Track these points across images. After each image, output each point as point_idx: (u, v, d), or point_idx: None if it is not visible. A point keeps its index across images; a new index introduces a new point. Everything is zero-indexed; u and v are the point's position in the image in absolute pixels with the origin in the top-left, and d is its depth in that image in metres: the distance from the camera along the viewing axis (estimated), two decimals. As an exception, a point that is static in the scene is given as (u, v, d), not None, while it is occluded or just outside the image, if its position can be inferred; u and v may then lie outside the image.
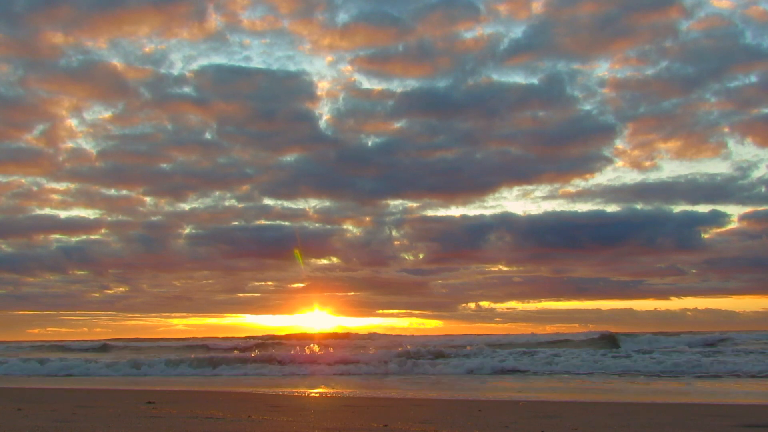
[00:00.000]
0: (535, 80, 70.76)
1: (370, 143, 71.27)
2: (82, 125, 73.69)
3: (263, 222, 71.42)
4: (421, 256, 72.89)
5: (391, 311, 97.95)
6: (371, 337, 69.24)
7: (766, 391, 23.92)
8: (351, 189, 72.20)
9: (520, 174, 72.44)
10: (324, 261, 74.60)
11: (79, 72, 67.28)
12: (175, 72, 70.69)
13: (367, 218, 73.15)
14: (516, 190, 74.16)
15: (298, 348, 46.15)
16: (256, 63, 74.48)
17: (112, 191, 71.87)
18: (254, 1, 72.21)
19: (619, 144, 73.27)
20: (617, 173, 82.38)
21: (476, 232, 69.36)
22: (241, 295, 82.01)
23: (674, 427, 12.79)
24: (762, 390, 24.01)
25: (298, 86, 69.30)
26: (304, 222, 72.11)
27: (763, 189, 65.21)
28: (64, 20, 65.38)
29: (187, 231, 72.40)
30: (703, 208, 69.59)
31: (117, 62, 68.89)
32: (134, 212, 72.62)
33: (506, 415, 14.74)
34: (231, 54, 78.62)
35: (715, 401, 19.75)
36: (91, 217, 73.15)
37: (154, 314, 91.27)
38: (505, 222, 69.35)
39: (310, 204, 72.50)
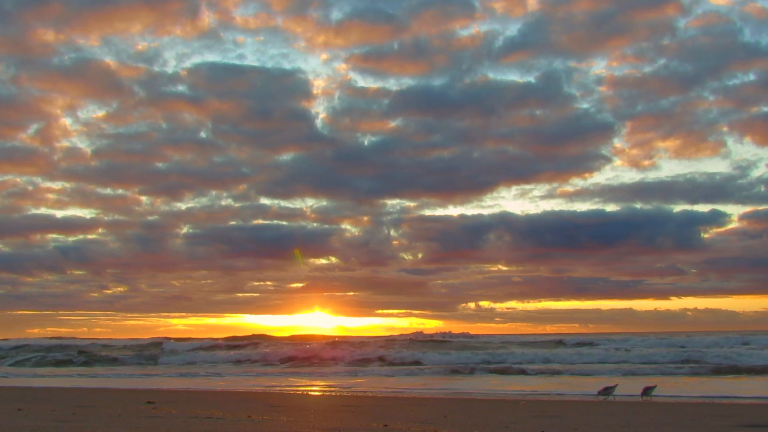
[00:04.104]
0: (531, 78, 71.26)
1: (366, 142, 71.38)
2: (76, 124, 74.03)
3: (261, 222, 71.56)
4: (419, 255, 73.06)
5: (390, 311, 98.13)
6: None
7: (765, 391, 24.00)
8: (348, 188, 72.38)
9: (518, 173, 72.70)
10: (323, 261, 74.72)
11: (72, 70, 67.41)
12: (169, 70, 70.82)
13: (365, 218, 73.26)
14: (514, 190, 74.47)
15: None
16: (251, 61, 74.71)
17: (108, 190, 72.10)
18: (247, -2, 72.51)
19: (618, 143, 73.67)
20: (616, 172, 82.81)
21: (475, 231, 69.59)
22: (240, 295, 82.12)
23: (674, 427, 12.80)
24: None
25: (293, 84, 69.49)
26: (301, 221, 72.23)
27: (763, 188, 65.49)
28: (56, 17, 65.54)
29: (184, 230, 72.53)
30: (702, 208, 69.96)
31: (110, 60, 69.10)
32: (131, 212, 72.76)
33: (506, 415, 14.74)
34: (225, 52, 78.94)
35: (715, 401, 19.79)
36: (88, 216, 73.35)
37: (153, 314, 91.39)
38: (504, 221, 69.57)
39: (307, 203, 72.59)
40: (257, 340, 63.22)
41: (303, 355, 48.25)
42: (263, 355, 49.40)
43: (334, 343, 58.05)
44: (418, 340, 57.95)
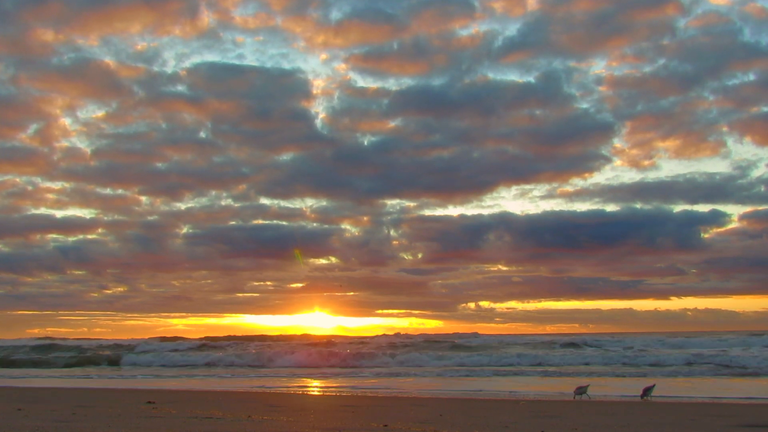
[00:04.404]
0: (531, 78, 71.33)
1: (366, 142, 71.40)
2: (75, 124, 74.00)
3: (260, 222, 71.56)
4: (419, 255, 73.07)
5: (390, 311, 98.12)
6: None
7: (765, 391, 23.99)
8: (348, 188, 72.39)
9: (518, 173, 72.73)
10: (322, 261, 74.70)
11: (72, 70, 67.41)
12: (168, 70, 70.85)
13: (365, 218, 73.28)
14: (514, 190, 74.51)
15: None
16: (250, 61, 74.67)
17: (108, 190, 72.12)
18: (246, -2, 72.43)
19: (618, 143, 73.73)
20: (616, 172, 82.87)
21: (475, 231, 69.62)
22: (240, 295, 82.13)
23: (674, 427, 12.80)
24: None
25: (292, 84, 69.48)
26: (301, 221, 72.23)
27: (763, 188, 65.54)
28: (55, 17, 65.51)
29: (184, 231, 72.53)
30: (702, 208, 70.03)
31: (109, 60, 69.11)
32: (130, 212, 72.77)
33: (506, 415, 14.73)
34: (224, 51, 78.87)
35: (715, 401, 19.79)
36: (87, 216, 73.37)
37: (153, 314, 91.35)
38: (504, 221, 69.60)
39: (307, 203, 72.59)
40: (246, 340, 62.48)
41: (298, 356, 48.00)
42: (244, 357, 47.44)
43: (330, 342, 57.98)
44: (417, 340, 58.01)
